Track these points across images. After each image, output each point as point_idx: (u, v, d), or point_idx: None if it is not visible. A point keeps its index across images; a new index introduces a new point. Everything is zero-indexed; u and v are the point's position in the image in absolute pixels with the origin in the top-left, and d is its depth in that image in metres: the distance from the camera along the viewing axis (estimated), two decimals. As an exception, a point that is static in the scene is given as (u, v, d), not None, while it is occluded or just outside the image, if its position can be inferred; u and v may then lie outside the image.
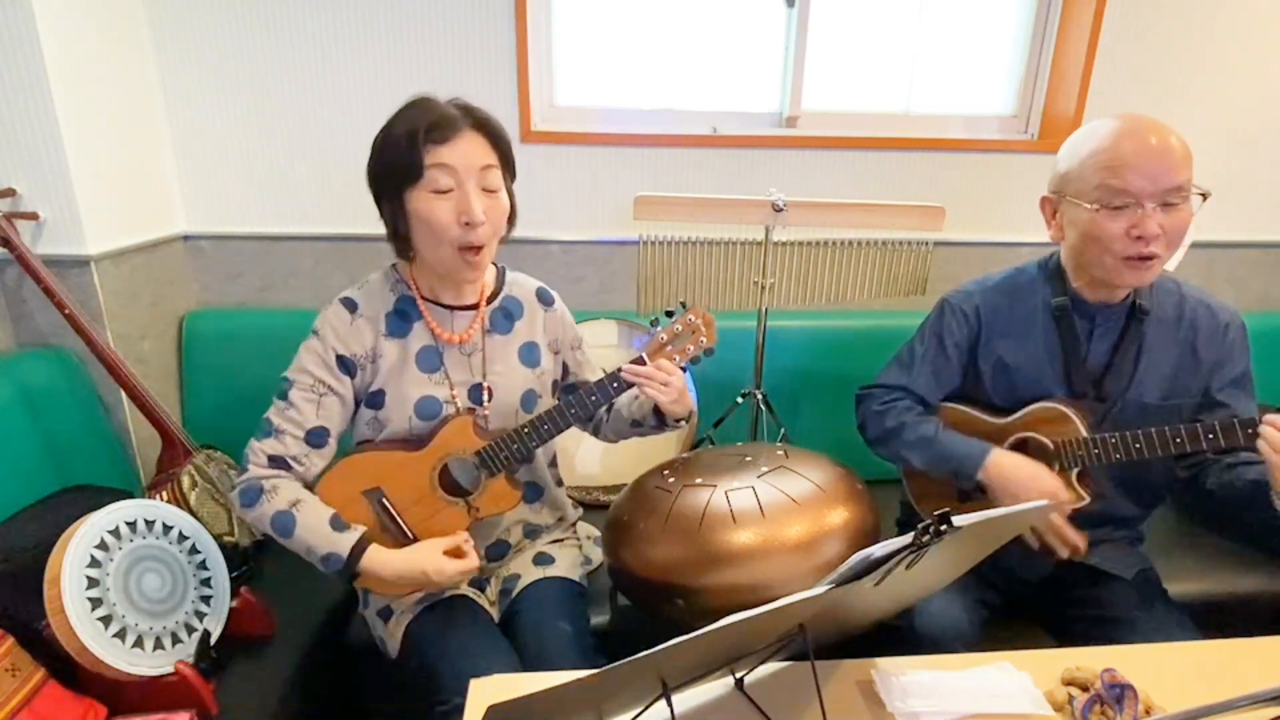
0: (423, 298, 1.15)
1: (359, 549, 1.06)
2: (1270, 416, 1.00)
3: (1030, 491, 1.12)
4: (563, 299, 1.30)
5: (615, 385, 1.13)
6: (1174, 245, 1.09)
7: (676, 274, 1.70)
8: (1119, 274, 1.11)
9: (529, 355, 1.22)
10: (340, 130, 1.79)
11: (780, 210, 1.54)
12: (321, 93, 1.76)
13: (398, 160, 1.03)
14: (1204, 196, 1.08)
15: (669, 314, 1.16)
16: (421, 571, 1.07)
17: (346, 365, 1.12)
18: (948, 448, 1.21)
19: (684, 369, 1.17)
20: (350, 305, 1.13)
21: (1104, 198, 1.07)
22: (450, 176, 1.03)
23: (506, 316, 1.21)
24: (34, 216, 1.46)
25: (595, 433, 1.35)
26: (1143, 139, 1.05)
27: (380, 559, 1.07)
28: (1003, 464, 1.15)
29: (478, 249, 1.07)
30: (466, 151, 1.03)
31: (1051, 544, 1.14)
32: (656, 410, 1.20)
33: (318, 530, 1.06)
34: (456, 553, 1.11)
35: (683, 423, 1.21)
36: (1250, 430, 1.04)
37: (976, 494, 1.20)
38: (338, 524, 1.08)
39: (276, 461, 1.09)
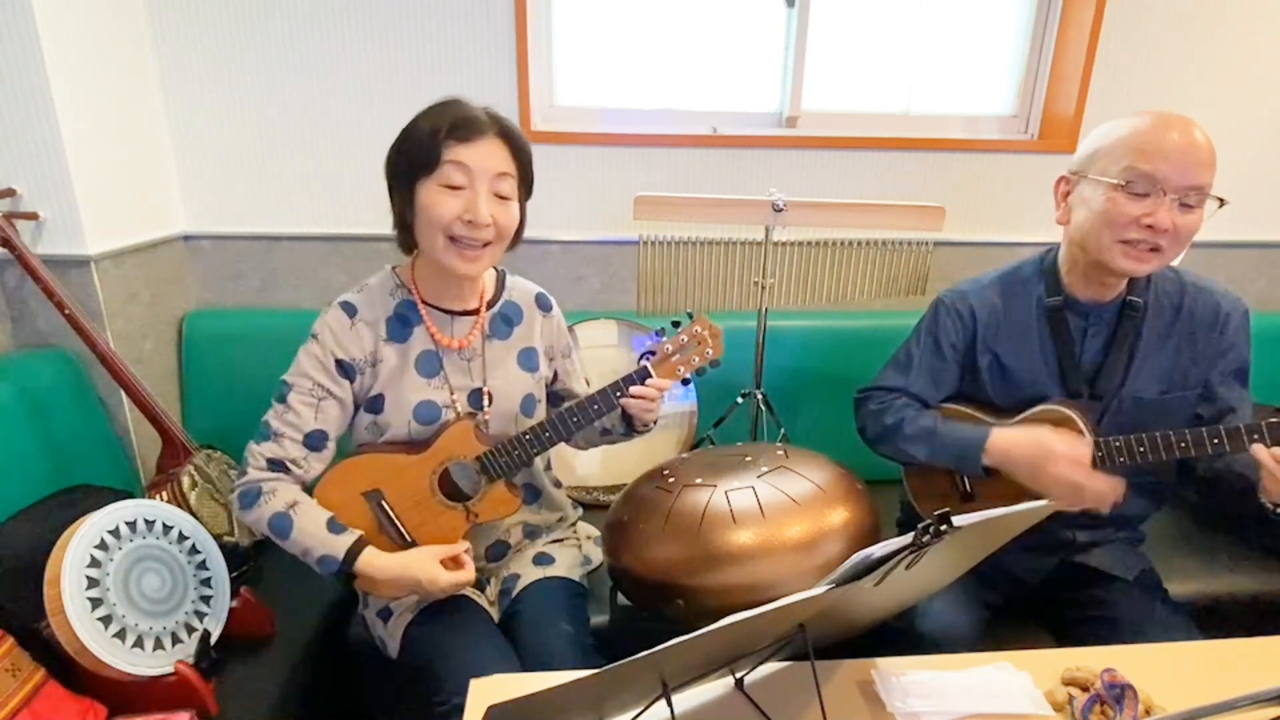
0: (424, 302, 1.15)
1: (355, 551, 1.06)
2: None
3: (1039, 458, 1.10)
4: (563, 299, 1.30)
5: (618, 395, 1.13)
6: (1180, 245, 1.09)
7: (676, 274, 1.70)
8: (1116, 258, 1.10)
9: (528, 360, 1.22)
10: (341, 130, 1.79)
11: (780, 210, 1.54)
12: (322, 93, 1.76)
13: (416, 152, 1.03)
14: (1221, 202, 1.08)
15: (675, 324, 1.16)
16: (414, 579, 1.07)
17: (345, 369, 1.12)
18: (949, 437, 1.20)
19: (688, 380, 1.17)
20: (350, 310, 1.13)
21: (1128, 179, 1.07)
22: (464, 175, 1.03)
23: (506, 322, 1.21)
24: (34, 216, 1.46)
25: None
26: (1180, 131, 1.05)
27: (375, 562, 1.07)
28: (1003, 443, 1.15)
29: (476, 246, 1.06)
30: (485, 154, 1.04)
31: (1093, 505, 1.10)
32: (625, 417, 1.21)
33: (314, 533, 1.06)
34: (454, 562, 1.10)
35: (649, 428, 1.23)
36: (1254, 438, 1.04)
37: (984, 477, 1.19)
38: (334, 526, 1.08)
39: (275, 465, 1.09)
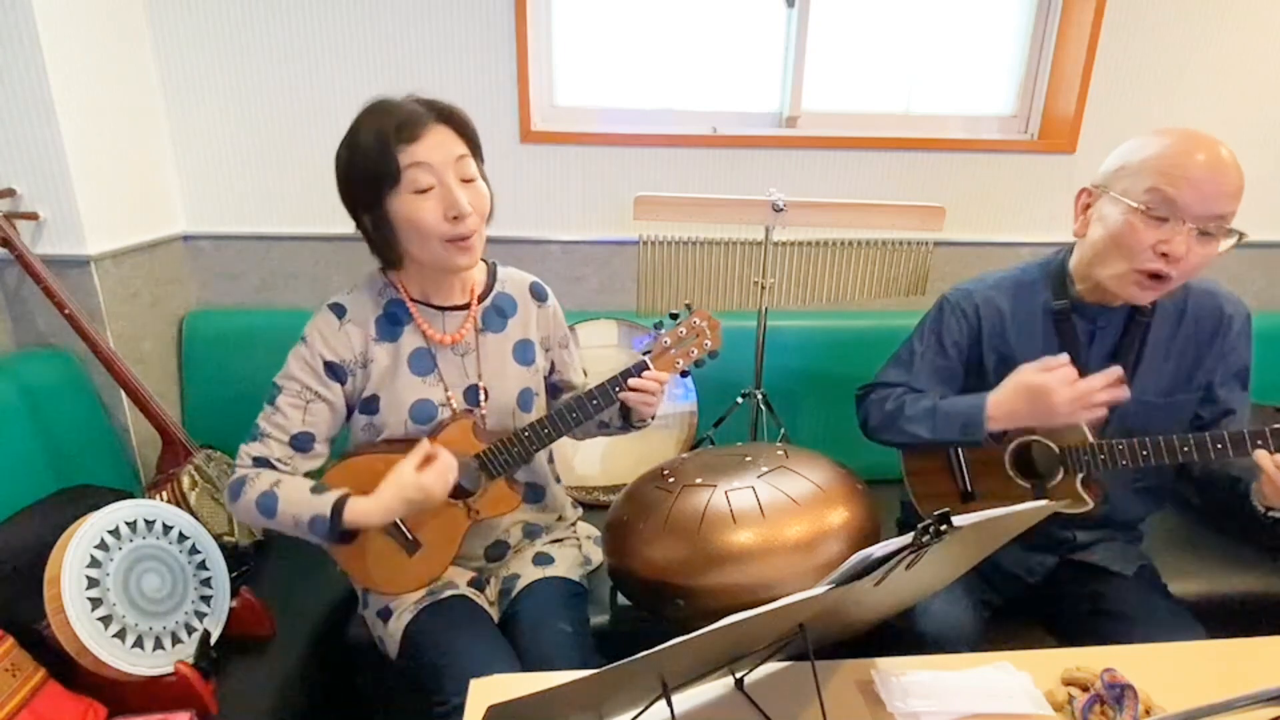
0: (412, 299, 1.14)
1: (341, 504, 1.04)
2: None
3: (1038, 400, 1.09)
4: (563, 299, 1.29)
5: (617, 389, 1.13)
6: (1188, 274, 1.08)
7: (676, 274, 1.70)
8: (1123, 287, 1.10)
9: (524, 353, 1.22)
10: (340, 131, 1.75)
11: (780, 210, 1.54)
12: (322, 93, 1.76)
13: (372, 166, 1.01)
14: (1240, 236, 1.07)
15: (673, 316, 1.16)
16: (404, 500, 1.03)
17: (335, 371, 1.11)
18: (950, 411, 1.20)
19: (686, 372, 1.17)
20: (338, 311, 1.12)
21: (1151, 203, 1.05)
22: (429, 174, 1.01)
23: (500, 314, 1.20)
24: (34, 216, 1.46)
25: None
26: (1208, 155, 1.04)
27: (364, 507, 1.04)
28: (999, 401, 1.14)
29: (468, 239, 1.05)
30: (439, 145, 1.02)
31: (1110, 402, 1.08)
32: (623, 411, 1.21)
33: (300, 499, 1.05)
34: (429, 461, 1.04)
35: (647, 423, 1.23)
36: (1258, 444, 1.04)
37: (992, 444, 1.19)
38: (318, 489, 1.07)
39: (260, 463, 1.09)
